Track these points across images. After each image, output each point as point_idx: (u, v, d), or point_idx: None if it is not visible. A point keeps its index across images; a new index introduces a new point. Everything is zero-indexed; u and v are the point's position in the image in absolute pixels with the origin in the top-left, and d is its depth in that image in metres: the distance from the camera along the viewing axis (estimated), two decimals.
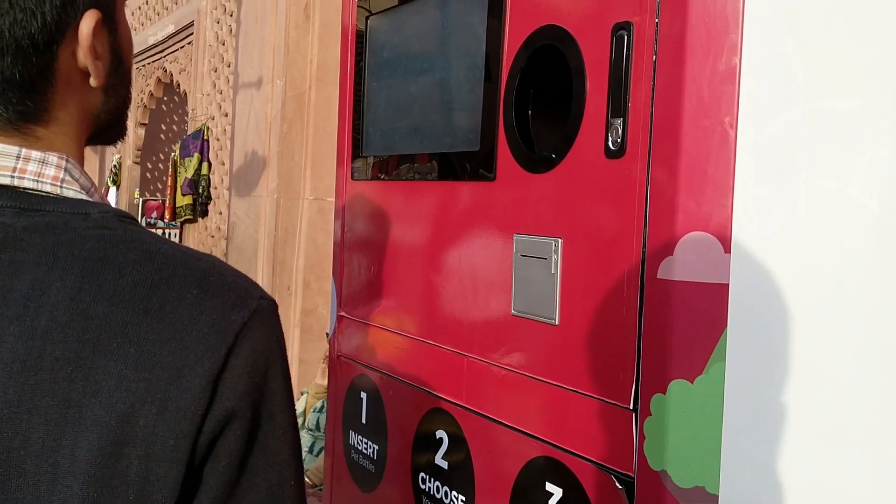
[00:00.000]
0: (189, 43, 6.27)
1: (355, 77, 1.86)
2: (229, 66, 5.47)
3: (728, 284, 1.06)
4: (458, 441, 1.45)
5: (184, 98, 6.67)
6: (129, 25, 0.80)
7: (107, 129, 0.79)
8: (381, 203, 1.77)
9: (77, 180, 0.70)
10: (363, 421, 1.77)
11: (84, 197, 0.70)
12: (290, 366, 0.73)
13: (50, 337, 0.61)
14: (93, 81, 0.72)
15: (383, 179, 1.77)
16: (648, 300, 1.09)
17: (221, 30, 5.62)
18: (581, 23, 1.22)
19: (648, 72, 1.10)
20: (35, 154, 0.68)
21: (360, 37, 1.84)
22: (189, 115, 6.26)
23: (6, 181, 0.67)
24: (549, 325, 1.25)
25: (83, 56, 0.70)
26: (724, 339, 1.06)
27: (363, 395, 1.77)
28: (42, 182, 0.68)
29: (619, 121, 1.13)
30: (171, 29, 6.57)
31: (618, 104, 1.14)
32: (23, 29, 0.65)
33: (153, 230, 6.66)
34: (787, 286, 1.09)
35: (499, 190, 1.38)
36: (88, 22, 0.69)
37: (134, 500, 0.61)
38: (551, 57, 1.28)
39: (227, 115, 5.43)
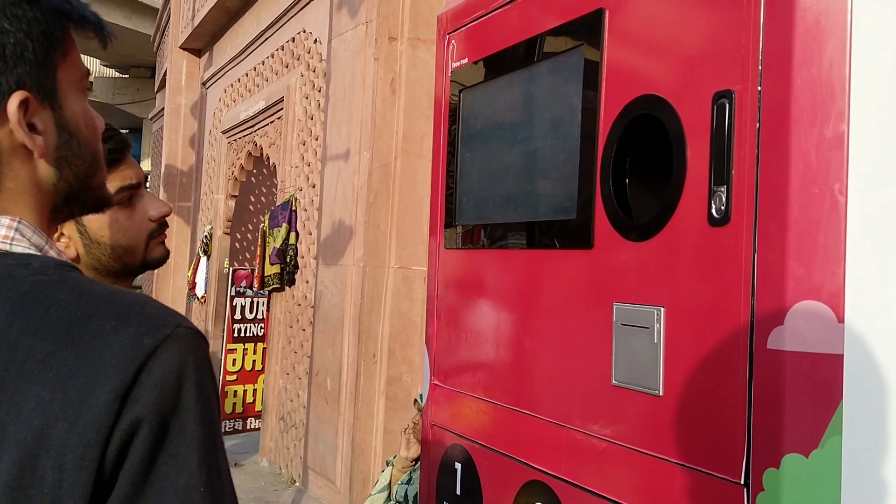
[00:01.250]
0: (279, 118, 6.48)
1: (448, 148, 1.89)
2: (317, 140, 5.62)
3: (843, 355, 1.02)
4: None
5: (273, 171, 6.87)
6: (92, 110, 0.89)
7: (76, 197, 0.87)
8: (474, 271, 1.78)
9: (28, 239, 0.79)
10: (458, 492, 1.75)
11: (33, 252, 0.79)
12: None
13: None
14: (35, 154, 0.80)
15: (476, 248, 1.78)
16: (758, 371, 1.06)
17: (310, 105, 5.80)
18: (680, 92, 1.22)
19: (752, 139, 1.09)
20: None
21: (453, 110, 1.88)
22: (278, 187, 6.44)
23: None
24: (652, 396, 1.23)
25: (16, 132, 0.78)
26: (840, 412, 1.02)
27: (457, 465, 1.75)
28: None
29: (723, 188, 1.13)
30: (261, 105, 6.81)
31: (721, 172, 1.13)
32: None
33: (242, 299, 6.78)
34: None
35: (596, 258, 1.37)
36: (13, 102, 0.78)
37: None
38: (649, 126, 1.28)
39: (314, 187, 5.57)
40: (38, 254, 0.80)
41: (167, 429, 0.71)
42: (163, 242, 1.53)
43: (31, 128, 0.80)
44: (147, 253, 1.50)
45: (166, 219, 1.52)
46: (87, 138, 0.87)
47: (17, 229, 0.79)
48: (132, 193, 1.47)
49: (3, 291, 0.74)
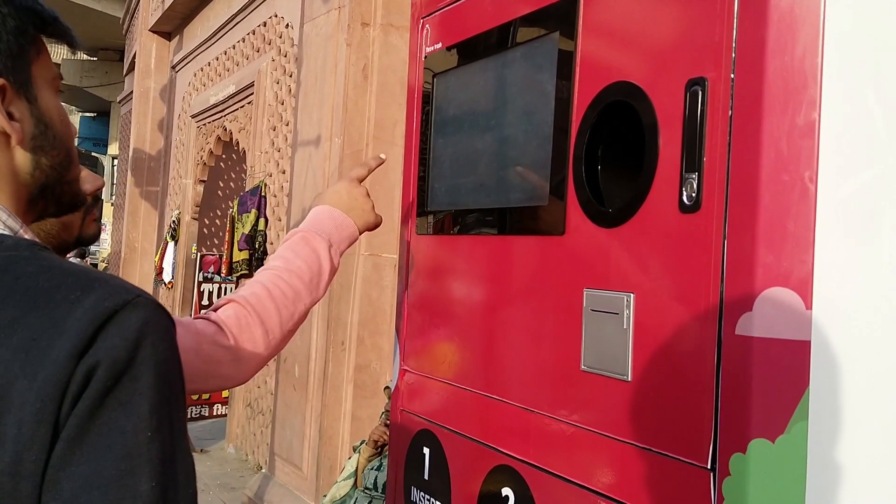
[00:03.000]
0: (249, 103, 6.43)
1: (421, 134, 1.88)
2: (287, 125, 5.58)
3: (810, 341, 1.04)
4: (524, 499, 1.43)
5: (242, 156, 6.81)
6: (62, 108, 0.95)
7: (52, 188, 0.91)
8: (446, 257, 1.78)
9: (3, 221, 0.84)
10: (426, 477, 1.75)
11: (7, 233, 0.84)
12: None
13: None
14: (13, 141, 0.85)
15: (448, 234, 1.78)
16: (726, 357, 1.07)
17: (281, 90, 5.76)
18: (653, 79, 1.23)
19: (724, 127, 1.10)
20: None
21: (426, 95, 1.87)
22: (247, 172, 6.39)
23: None
24: (620, 381, 1.24)
25: None
26: (807, 398, 1.03)
27: (426, 450, 1.75)
28: None
29: (694, 175, 1.13)
30: (231, 89, 6.74)
31: (692, 159, 1.14)
32: None
33: (210, 285, 6.74)
34: (872, 343, 1.07)
35: (568, 244, 1.37)
36: None
37: (9, 461, 0.70)
38: (622, 113, 1.28)
39: (284, 173, 5.53)
40: (11, 234, 0.84)
41: (119, 378, 0.73)
42: (96, 220, 1.59)
43: (9, 116, 0.85)
44: (83, 229, 1.55)
45: (100, 195, 1.58)
46: (61, 133, 0.91)
47: None
48: None
49: None
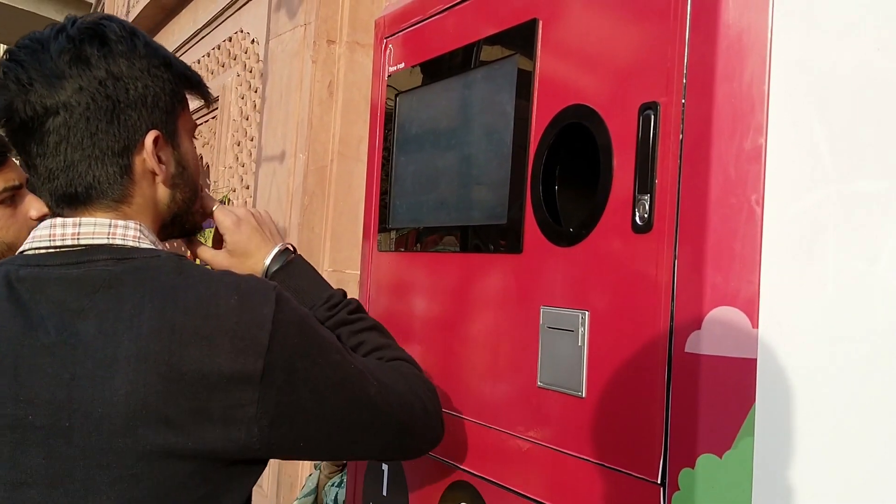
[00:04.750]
0: (213, 118, 6.41)
1: (383, 151, 1.90)
2: (252, 140, 5.57)
3: (756, 359, 1.07)
4: None
5: (206, 170, 6.78)
6: (196, 151, 1.18)
7: (181, 217, 1.15)
8: (406, 274, 1.80)
9: (148, 237, 1.06)
10: (384, 493, 1.76)
11: (155, 247, 1.05)
12: None
13: (150, 339, 0.93)
14: (159, 179, 1.08)
15: (409, 251, 1.79)
16: (676, 374, 1.10)
17: (246, 105, 5.75)
18: (608, 102, 1.26)
19: (675, 150, 1.13)
20: (121, 223, 1.04)
21: (389, 114, 1.89)
22: (210, 188, 6.36)
23: (104, 241, 1.02)
24: (575, 398, 1.26)
25: (148, 160, 1.06)
26: (753, 414, 1.06)
27: (384, 466, 1.76)
28: (126, 239, 1.03)
29: (647, 197, 1.16)
30: (196, 104, 6.72)
31: (645, 181, 1.17)
32: (108, 145, 1.03)
33: None
34: (816, 362, 1.10)
35: (525, 262, 1.40)
36: (150, 137, 1.05)
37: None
38: (578, 135, 1.31)
39: (248, 188, 5.52)
40: (160, 249, 1.05)
41: (308, 358, 1.04)
42: None
43: (158, 159, 1.07)
44: None
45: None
46: (193, 172, 1.15)
47: (140, 231, 1.05)
48: (14, 193, 1.58)
49: (149, 281, 0.97)
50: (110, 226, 1.03)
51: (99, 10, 10.42)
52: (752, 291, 1.07)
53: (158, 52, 1.09)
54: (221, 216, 1.31)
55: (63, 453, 0.91)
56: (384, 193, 1.89)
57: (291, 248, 1.35)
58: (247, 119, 5.74)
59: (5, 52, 1.06)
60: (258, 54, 5.61)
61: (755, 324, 1.07)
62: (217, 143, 6.21)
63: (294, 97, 4.60)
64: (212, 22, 6.50)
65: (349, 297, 1.36)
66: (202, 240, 1.33)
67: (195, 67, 7.00)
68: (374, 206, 1.93)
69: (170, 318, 0.94)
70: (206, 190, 1.25)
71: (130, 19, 8.38)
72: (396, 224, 1.84)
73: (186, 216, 1.16)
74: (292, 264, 1.33)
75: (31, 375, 0.93)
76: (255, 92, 5.58)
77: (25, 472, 0.92)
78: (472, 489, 1.47)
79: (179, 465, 0.93)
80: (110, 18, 1.07)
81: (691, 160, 1.11)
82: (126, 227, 1.03)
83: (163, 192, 1.09)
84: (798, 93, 1.10)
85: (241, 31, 5.96)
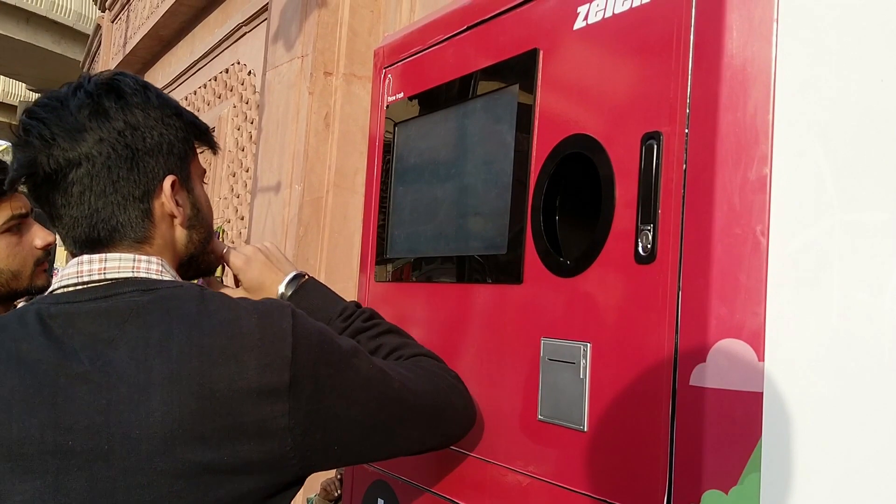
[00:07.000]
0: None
1: (381, 181, 1.89)
2: (247, 171, 5.57)
3: (762, 393, 1.05)
4: None
5: None
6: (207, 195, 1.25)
7: (197, 258, 1.22)
8: (404, 305, 1.78)
9: (169, 272, 1.13)
10: None
11: (178, 280, 1.13)
12: None
13: (181, 361, 0.98)
14: (177, 221, 1.16)
15: (406, 282, 1.78)
16: (681, 407, 1.07)
17: (242, 136, 5.76)
18: (610, 132, 1.25)
19: (679, 180, 1.12)
20: (144, 257, 1.10)
21: (388, 143, 1.88)
22: None
23: (129, 274, 1.08)
24: (576, 432, 1.23)
25: (167, 203, 1.13)
26: (759, 449, 1.04)
27: (380, 501, 1.73)
28: (150, 273, 1.10)
29: (650, 227, 1.15)
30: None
31: (647, 211, 1.15)
32: (130, 191, 1.09)
33: None
34: (823, 395, 1.08)
35: (526, 293, 1.38)
36: (168, 182, 1.13)
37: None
38: (580, 165, 1.30)
39: (243, 219, 5.51)
40: (181, 280, 1.12)
41: (331, 366, 1.09)
42: (45, 271, 1.69)
43: (176, 202, 1.14)
44: (33, 279, 1.63)
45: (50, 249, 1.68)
46: (206, 214, 1.23)
47: (162, 265, 1.11)
48: (21, 222, 1.60)
49: (175, 310, 1.03)
50: (134, 260, 1.09)
51: (96, 41, 10.47)
52: (758, 323, 1.05)
53: (170, 102, 1.16)
54: (232, 258, 1.41)
55: (104, 475, 0.95)
56: (382, 224, 1.87)
57: (303, 274, 1.44)
58: (242, 150, 5.74)
59: (24, 111, 1.12)
60: (254, 86, 5.62)
61: (761, 356, 1.05)
62: (212, 173, 6.20)
63: (290, 128, 4.61)
64: (209, 53, 6.53)
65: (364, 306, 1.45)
66: (218, 277, 1.41)
67: (192, 99, 7.03)
68: (371, 236, 1.91)
69: (197, 341, 0.99)
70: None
71: (127, 50, 8.42)
72: (394, 254, 1.83)
73: (202, 256, 1.24)
74: (304, 287, 1.42)
75: (68, 403, 0.97)
76: (251, 123, 5.59)
77: (69, 495, 0.95)
78: None
79: (218, 480, 0.98)
80: (124, 74, 1.14)
81: (695, 190, 1.10)
82: (149, 262, 1.10)
83: (180, 233, 1.17)
84: (802, 123, 1.10)
85: (238, 63, 5.99)
